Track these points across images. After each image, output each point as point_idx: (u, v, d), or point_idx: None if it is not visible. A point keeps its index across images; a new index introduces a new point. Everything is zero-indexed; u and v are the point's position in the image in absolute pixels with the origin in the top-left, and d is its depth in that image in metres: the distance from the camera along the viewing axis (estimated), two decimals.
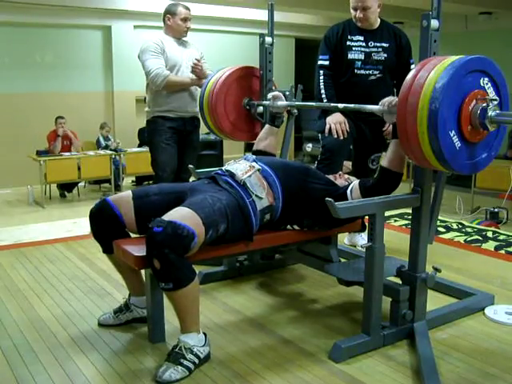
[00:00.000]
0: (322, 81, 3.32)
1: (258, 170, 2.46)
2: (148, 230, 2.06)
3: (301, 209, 2.53)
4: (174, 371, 2.08)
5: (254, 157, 2.59)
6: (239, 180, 2.39)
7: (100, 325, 2.58)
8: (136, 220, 2.37)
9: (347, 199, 2.42)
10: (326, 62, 3.34)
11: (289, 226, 2.63)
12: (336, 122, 3.18)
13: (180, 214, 2.10)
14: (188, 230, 2.05)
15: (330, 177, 2.72)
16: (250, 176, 2.41)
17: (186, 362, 2.11)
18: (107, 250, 2.44)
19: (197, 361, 2.15)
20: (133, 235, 2.44)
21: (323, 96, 3.29)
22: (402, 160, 2.34)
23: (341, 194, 2.47)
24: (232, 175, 2.42)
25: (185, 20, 3.72)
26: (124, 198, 2.41)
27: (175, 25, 3.72)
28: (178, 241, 2.02)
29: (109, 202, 2.38)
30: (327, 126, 3.21)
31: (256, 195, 2.37)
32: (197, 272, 3.10)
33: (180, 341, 2.15)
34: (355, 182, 2.52)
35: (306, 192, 2.51)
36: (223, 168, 2.51)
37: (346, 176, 2.75)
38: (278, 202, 2.45)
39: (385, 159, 2.38)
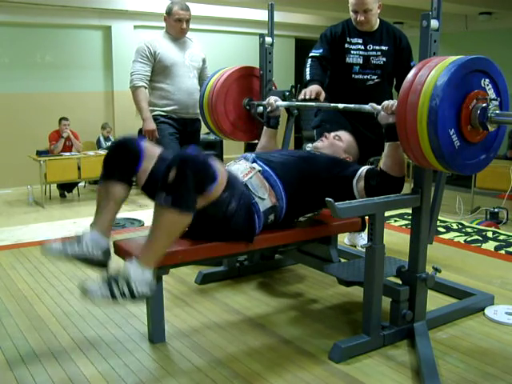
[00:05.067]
0: (308, 65, 3.23)
1: (259, 170, 2.44)
2: (178, 155, 2.05)
3: (305, 204, 2.51)
4: (98, 287, 1.94)
5: (254, 155, 2.57)
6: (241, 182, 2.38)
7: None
8: (147, 178, 2.32)
9: (352, 185, 2.40)
10: (317, 54, 3.26)
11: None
12: (311, 89, 3.04)
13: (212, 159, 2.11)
14: (214, 171, 2.06)
15: (318, 142, 2.72)
16: (251, 178, 2.40)
17: (114, 287, 1.94)
18: (106, 176, 2.29)
19: (127, 294, 1.95)
20: (133, 234, 2.44)
21: (306, 75, 3.18)
22: (399, 163, 2.33)
23: (346, 176, 2.42)
24: None
25: (179, 21, 3.62)
26: (153, 153, 2.34)
27: (170, 25, 3.67)
28: (203, 168, 2.03)
29: (141, 147, 2.31)
30: (301, 94, 3.06)
31: (259, 196, 2.36)
32: (197, 272, 3.13)
33: (124, 267, 2.01)
34: (363, 169, 2.45)
35: (309, 185, 2.46)
36: None
37: (333, 134, 2.73)
38: (281, 203, 2.43)
39: (382, 163, 2.36)
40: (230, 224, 2.26)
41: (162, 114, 3.68)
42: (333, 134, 2.74)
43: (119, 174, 2.28)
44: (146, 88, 3.64)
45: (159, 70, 3.65)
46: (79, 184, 7.41)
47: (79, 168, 6.86)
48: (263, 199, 2.37)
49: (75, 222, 5.34)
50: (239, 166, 2.48)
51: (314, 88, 3.03)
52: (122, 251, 2.28)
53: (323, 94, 3.05)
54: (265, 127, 3.04)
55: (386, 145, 2.34)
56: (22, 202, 6.90)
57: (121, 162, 2.29)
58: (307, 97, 2.99)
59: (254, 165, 2.47)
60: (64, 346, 2.38)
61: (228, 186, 2.18)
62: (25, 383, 2.10)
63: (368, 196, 2.36)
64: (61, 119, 7.09)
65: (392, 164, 2.33)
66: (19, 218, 5.91)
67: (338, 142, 2.71)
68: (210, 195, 2.10)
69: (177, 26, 3.63)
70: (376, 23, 3.27)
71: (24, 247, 3.95)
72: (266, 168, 2.47)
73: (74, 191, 7.38)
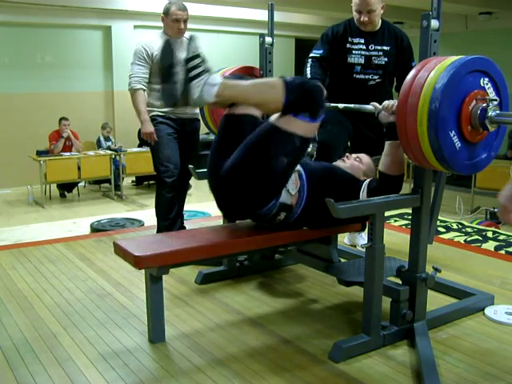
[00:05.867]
0: (308, 65, 3.23)
1: (298, 171, 2.43)
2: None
3: (318, 215, 2.49)
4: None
5: None
6: None
7: None
8: None
9: (359, 198, 2.42)
10: (317, 55, 3.26)
11: None
12: None
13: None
14: (319, 116, 2.21)
15: (339, 162, 2.71)
16: None
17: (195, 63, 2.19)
18: None
19: (197, 75, 2.18)
20: (133, 234, 2.44)
21: (307, 74, 3.19)
22: (398, 163, 2.33)
23: (355, 191, 2.46)
24: None
25: (176, 21, 3.58)
26: None
27: (167, 25, 3.64)
28: (318, 101, 2.21)
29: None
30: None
31: (287, 189, 2.36)
32: (197, 272, 3.13)
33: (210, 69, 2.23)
34: (367, 181, 2.51)
35: (326, 194, 2.37)
36: None
37: (355, 155, 2.72)
38: (297, 208, 2.42)
39: (381, 163, 2.37)
40: (265, 174, 2.26)
41: (160, 114, 3.68)
42: (354, 155, 2.73)
43: None
44: (144, 90, 3.64)
45: (157, 71, 3.64)
46: (79, 184, 7.42)
47: (79, 168, 6.87)
48: (290, 194, 2.37)
49: (75, 221, 5.35)
50: None
51: None
52: (122, 251, 2.27)
53: (325, 92, 3.05)
54: None
55: (387, 144, 2.34)
56: (22, 202, 6.91)
57: None
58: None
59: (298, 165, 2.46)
60: (64, 346, 2.38)
61: (307, 142, 2.25)
62: (25, 383, 2.10)
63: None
64: (61, 119, 7.10)
65: (390, 163, 2.34)
66: (19, 217, 5.91)
67: (358, 164, 2.68)
68: (296, 121, 2.19)
69: (174, 26, 3.62)
70: (378, 23, 3.27)
71: (24, 247, 3.95)
72: (303, 173, 2.46)
73: (74, 191, 7.39)
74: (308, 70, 3.22)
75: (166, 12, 3.62)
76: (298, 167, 2.46)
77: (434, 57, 2.17)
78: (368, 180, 2.51)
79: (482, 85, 2.08)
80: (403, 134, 2.09)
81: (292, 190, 2.38)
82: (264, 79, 2.28)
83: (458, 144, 2.03)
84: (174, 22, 3.60)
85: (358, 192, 2.46)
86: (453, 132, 2.01)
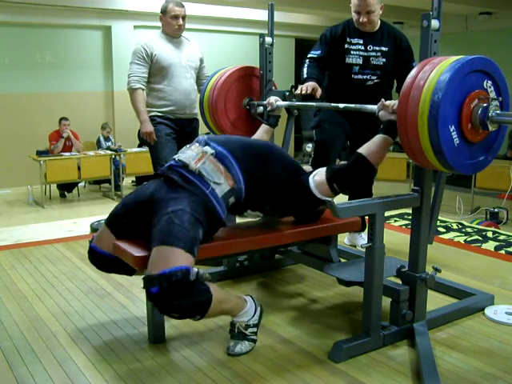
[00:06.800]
0: (306, 65, 3.23)
1: (212, 153, 2.31)
2: (145, 291, 2.02)
3: (262, 194, 2.42)
4: (242, 346, 2.32)
5: (206, 137, 2.41)
6: (194, 170, 2.25)
7: None
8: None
9: (308, 184, 2.36)
10: (315, 55, 3.27)
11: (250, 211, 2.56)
12: (307, 84, 3.03)
13: (163, 259, 2.00)
14: (181, 270, 1.97)
15: None
16: (203, 163, 2.27)
17: (249, 337, 2.33)
18: (118, 271, 2.42)
19: (256, 329, 2.35)
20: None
21: (304, 74, 3.18)
22: (380, 157, 2.31)
23: (302, 179, 2.40)
24: (185, 166, 2.28)
25: (175, 18, 3.61)
26: (104, 236, 2.33)
27: (166, 23, 3.66)
28: (178, 287, 1.96)
29: (94, 248, 2.34)
30: (298, 89, 3.05)
31: (214, 182, 2.25)
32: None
33: (235, 322, 2.33)
34: (323, 168, 2.41)
35: (266, 176, 2.39)
36: (176, 157, 2.37)
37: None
38: (239, 184, 2.31)
39: (363, 148, 2.32)
40: (204, 239, 2.22)
41: (159, 114, 3.69)
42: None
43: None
44: (143, 90, 3.64)
45: (156, 71, 3.65)
46: (79, 184, 7.41)
47: (79, 168, 6.86)
48: (219, 184, 2.25)
49: (75, 221, 5.35)
50: (191, 152, 2.33)
51: (310, 83, 3.03)
52: (122, 251, 2.27)
53: (319, 91, 3.05)
54: (263, 124, 3.05)
55: (380, 136, 2.31)
56: (22, 201, 6.90)
57: (106, 266, 2.39)
58: (303, 92, 2.99)
59: (206, 148, 2.32)
60: (64, 346, 2.38)
61: (191, 247, 2.06)
62: (25, 383, 2.10)
63: (330, 181, 2.32)
64: (61, 119, 7.09)
65: (375, 152, 2.30)
66: (19, 217, 5.91)
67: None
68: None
69: (173, 22, 3.63)
70: (377, 24, 3.27)
71: (24, 247, 3.96)
72: (220, 149, 2.33)
73: (74, 191, 7.38)
74: (305, 70, 3.23)
75: (164, 10, 3.65)
76: (207, 149, 2.32)
77: (437, 56, 2.18)
78: (324, 168, 2.41)
79: (484, 85, 2.08)
80: (403, 128, 2.08)
81: (218, 178, 2.26)
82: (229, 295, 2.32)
83: (456, 140, 2.02)
84: (172, 19, 3.62)
85: (305, 178, 2.40)
86: (452, 127, 2.00)
